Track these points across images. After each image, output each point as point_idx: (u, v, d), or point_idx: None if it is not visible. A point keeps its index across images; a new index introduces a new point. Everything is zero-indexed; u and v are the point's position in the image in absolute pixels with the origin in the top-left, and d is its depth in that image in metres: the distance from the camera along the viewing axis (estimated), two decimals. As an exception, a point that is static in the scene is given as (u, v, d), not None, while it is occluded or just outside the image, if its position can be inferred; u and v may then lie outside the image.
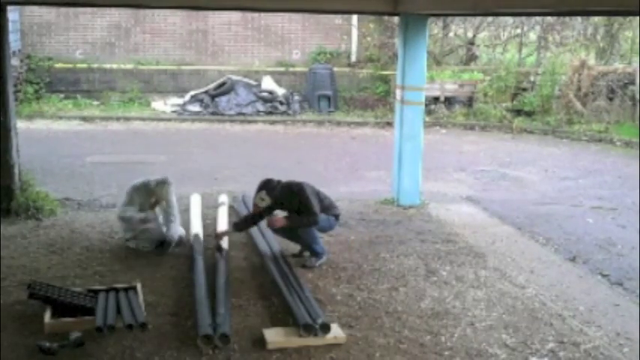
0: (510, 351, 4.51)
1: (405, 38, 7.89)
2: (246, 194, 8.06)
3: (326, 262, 6.03)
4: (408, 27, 7.81)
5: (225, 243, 6.25)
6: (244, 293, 5.33)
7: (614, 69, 14.94)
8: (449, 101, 15.27)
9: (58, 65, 15.68)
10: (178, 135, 13.17)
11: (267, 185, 5.85)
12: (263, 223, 6.30)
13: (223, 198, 7.81)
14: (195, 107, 15.17)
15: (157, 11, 15.53)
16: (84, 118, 14.18)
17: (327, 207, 6.13)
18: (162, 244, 6.23)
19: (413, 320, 4.94)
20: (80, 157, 10.59)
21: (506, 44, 18.20)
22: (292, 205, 5.91)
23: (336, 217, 6.25)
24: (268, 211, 6.01)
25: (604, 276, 6.18)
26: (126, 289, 5.06)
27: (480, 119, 14.85)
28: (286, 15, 16.15)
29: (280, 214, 6.13)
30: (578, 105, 14.53)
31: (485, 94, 15.16)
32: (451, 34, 18.05)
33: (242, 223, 6.27)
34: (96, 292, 4.98)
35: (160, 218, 6.40)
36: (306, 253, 6.14)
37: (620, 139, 13.07)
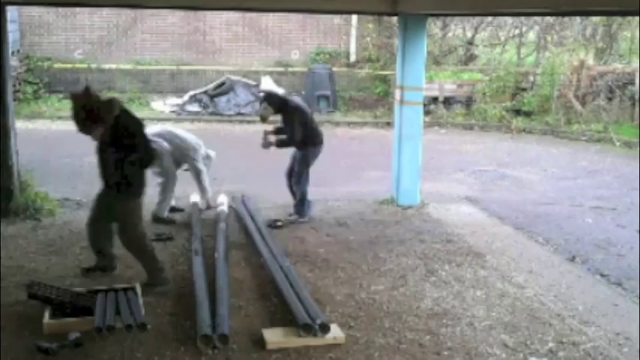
0: (510, 351, 4.51)
1: (404, 38, 7.89)
2: (246, 194, 8.07)
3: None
4: (407, 27, 7.81)
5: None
6: (244, 293, 5.33)
7: (613, 69, 14.95)
8: (448, 101, 15.27)
9: (57, 65, 15.67)
10: (177, 135, 13.13)
11: (268, 98, 7.24)
12: (264, 230, 6.71)
13: (222, 198, 7.81)
14: (194, 107, 15.16)
15: (155, 11, 15.53)
16: (83, 119, 14.14)
17: (313, 133, 7.18)
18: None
19: (412, 320, 4.94)
20: (79, 157, 10.55)
21: (505, 44, 18.20)
22: (285, 120, 7.18)
23: (319, 143, 7.26)
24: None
25: (603, 276, 6.19)
26: (125, 290, 5.05)
27: (479, 119, 14.86)
28: (285, 15, 16.15)
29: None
30: (577, 105, 14.54)
31: (485, 94, 15.16)
32: (450, 34, 18.06)
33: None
34: (95, 292, 4.98)
35: None
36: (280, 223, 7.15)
37: (619, 139, 13.08)
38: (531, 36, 18.12)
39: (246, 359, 4.30)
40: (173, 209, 7.46)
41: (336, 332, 4.59)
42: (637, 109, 14.06)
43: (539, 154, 12.08)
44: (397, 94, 8.17)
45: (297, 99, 7.34)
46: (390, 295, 5.39)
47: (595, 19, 16.36)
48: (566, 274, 6.13)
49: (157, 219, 7.17)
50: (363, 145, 12.71)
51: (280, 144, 7.21)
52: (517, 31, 17.66)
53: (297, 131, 7.02)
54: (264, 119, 7.30)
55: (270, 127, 7.47)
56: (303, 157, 7.21)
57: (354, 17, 16.57)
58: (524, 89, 15.48)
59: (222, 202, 7.69)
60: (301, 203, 7.33)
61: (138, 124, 5.28)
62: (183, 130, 7.77)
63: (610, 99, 14.33)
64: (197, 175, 7.45)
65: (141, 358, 4.27)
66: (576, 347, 4.60)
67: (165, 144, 7.11)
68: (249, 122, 14.69)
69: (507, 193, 9.34)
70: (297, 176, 7.26)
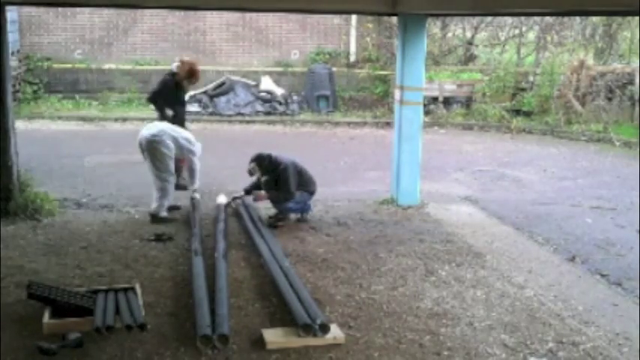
0: (510, 351, 4.51)
1: (403, 38, 7.89)
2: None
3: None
4: (406, 27, 7.82)
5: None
6: (243, 293, 5.33)
7: (612, 69, 14.94)
8: (447, 101, 15.27)
9: (57, 65, 15.67)
10: (177, 135, 13.13)
11: (257, 159, 7.17)
12: (264, 230, 6.75)
13: (222, 198, 7.82)
14: (194, 107, 15.14)
15: (155, 11, 15.53)
16: (82, 119, 14.17)
17: (305, 183, 7.27)
18: None
19: (412, 320, 4.94)
20: (79, 157, 10.58)
21: (505, 44, 18.20)
22: (275, 178, 7.14)
23: (311, 193, 7.35)
24: (265, 183, 7.27)
25: (603, 276, 6.19)
26: (125, 290, 5.06)
27: (478, 119, 14.86)
28: (285, 15, 16.15)
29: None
30: (576, 105, 14.54)
31: (484, 94, 15.16)
32: (450, 34, 18.06)
33: (250, 189, 7.54)
34: (95, 292, 4.98)
35: None
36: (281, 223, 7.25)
37: (618, 139, 13.08)
38: (531, 36, 18.11)
39: (246, 359, 4.30)
40: (172, 208, 7.49)
41: (335, 332, 4.59)
42: (637, 109, 14.06)
43: (539, 154, 12.07)
44: (397, 94, 8.17)
45: (286, 157, 7.26)
46: (390, 295, 5.39)
47: (595, 19, 16.36)
48: (566, 274, 6.14)
49: (156, 219, 7.18)
50: (363, 145, 12.71)
51: (276, 199, 7.20)
52: (517, 31, 17.65)
53: (292, 185, 7.08)
54: (251, 174, 7.37)
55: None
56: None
57: (354, 17, 16.56)
58: (523, 89, 15.48)
59: (222, 202, 7.71)
60: (282, 213, 7.32)
61: None
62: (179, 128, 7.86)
63: (610, 99, 14.33)
64: (192, 167, 7.68)
65: (141, 358, 4.27)
66: (576, 347, 4.60)
67: (171, 144, 7.25)
68: (248, 122, 14.70)
69: (507, 193, 9.34)
70: (283, 198, 7.21)
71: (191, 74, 8.28)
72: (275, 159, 7.18)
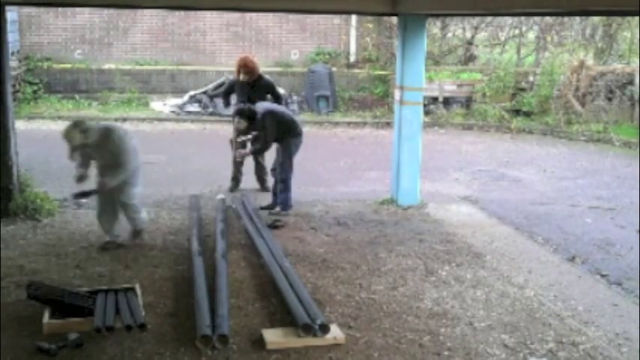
0: (509, 351, 4.51)
1: (403, 38, 7.89)
2: (245, 194, 8.08)
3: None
4: (406, 27, 7.82)
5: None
6: (243, 293, 5.34)
7: (612, 69, 14.94)
8: (447, 101, 15.27)
9: (57, 65, 15.66)
10: (177, 135, 13.15)
11: (239, 112, 7.50)
12: (264, 230, 6.74)
13: (222, 198, 7.82)
14: (194, 107, 15.16)
15: (155, 11, 15.53)
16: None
17: (289, 127, 7.47)
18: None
19: (412, 320, 4.94)
20: (79, 157, 10.57)
21: (505, 44, 18.20)
22: (258, 127, 7.41)
23: (297, 135, 7.59)
24: (246, 132, 7.66)
25: (603, 276, 6.19)
26: (125, 290, 5.06)
27: (478, 119, 14.85)
28: (285, 15, 16.14)
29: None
30: (576, 105, 14.54)
31: (484, 95, 15.16)
32: (450, 35, 18.06)
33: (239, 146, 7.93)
34: (95, 292, 4.98)
35: None
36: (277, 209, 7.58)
37: (618, 139, 13.08)
38: (531, 36, 18.11)
39: (246, 359, 4.30)
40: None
41: (336, 332, 4.59)
42: (637, 109, 14.06)
43: (538, 154, 12.08)
44: (397, 94, 8.17)
45: (265, 104, 7.73)
46: (390, 295, 5.39)
47: (595, 19, 16.35)
48: (566, 274, 6.14)
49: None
50: (363, 145, 12.71)
51: (255, 152, 7.75)
52: (517, 31, 17.65)
53: (269, 136, 7.33)
54: (241, 131, 7.70)
55: (243, 137, 7.93)
56: (284, 147, 7.51)
57: (354, 17, 16.55)
58: (523, 89, 15.47)
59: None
60: (284, 194, 7.54)
61: None
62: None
63: (610, 99, 14.32)
64: None
65: (141, 359, 4.27)
66: (576, 347, 4.60)
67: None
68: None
69: (507, 193, 9.34)
70: (280, 166, 7.54)
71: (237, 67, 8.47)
72: (253, 109, 7.47)
